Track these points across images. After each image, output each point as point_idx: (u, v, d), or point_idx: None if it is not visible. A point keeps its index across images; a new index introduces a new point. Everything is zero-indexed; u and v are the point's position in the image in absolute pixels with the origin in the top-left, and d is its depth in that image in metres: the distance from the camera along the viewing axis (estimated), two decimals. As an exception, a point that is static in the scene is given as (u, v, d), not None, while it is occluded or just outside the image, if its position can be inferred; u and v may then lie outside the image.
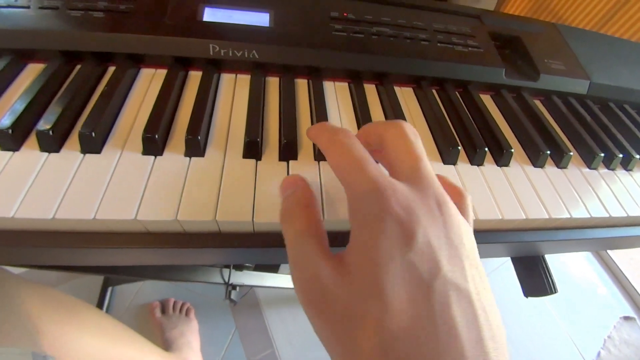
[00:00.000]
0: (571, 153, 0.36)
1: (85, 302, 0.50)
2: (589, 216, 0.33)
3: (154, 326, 0.83)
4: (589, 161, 0.38)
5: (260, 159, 0.28)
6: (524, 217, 0.30)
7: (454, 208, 0.18)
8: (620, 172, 0.39)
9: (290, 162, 0.29)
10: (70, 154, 0.27)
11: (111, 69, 0.33)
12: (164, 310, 0.86)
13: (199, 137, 0.27)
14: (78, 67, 0.33)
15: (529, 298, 0.43)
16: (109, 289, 0.86)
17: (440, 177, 0.20)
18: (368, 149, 0.19)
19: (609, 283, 1.15)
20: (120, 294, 0.88)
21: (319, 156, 0.29)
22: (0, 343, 0.30)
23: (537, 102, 0.43)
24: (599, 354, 0.98)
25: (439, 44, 0.39)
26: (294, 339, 0.89)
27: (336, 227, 0.26)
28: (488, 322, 0.15)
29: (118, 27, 0.32)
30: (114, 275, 0.79)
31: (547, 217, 0.31)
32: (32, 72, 0.32)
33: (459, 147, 0.32)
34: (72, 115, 0.29)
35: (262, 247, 0.27)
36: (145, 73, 0.34)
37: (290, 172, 0.28)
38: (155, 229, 0.25)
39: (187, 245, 0.26)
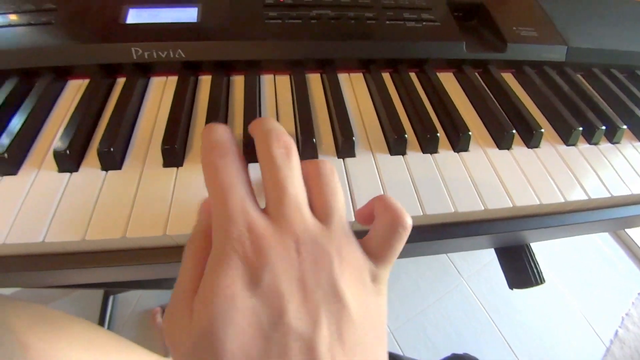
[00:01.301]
0: (542, 130, 0.32)
1: (76, 317, 0.50)
2: (563, 200, 0.29)
3: (156, 332, 0.84)
4: (566, 137, 0.34)
5: (181, 167, 0.26)
6: (482, 208, 0.27)
7: (317, 246, 0.16)
8: (605, 146, 0.35)
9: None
10: (-12, 177, 0.26)
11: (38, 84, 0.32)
12: (166, 315, 0.87)
13: (112, 149, 0.25)
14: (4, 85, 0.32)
15: (514, 290, 0.40)
16: (111, 297, 0.88)
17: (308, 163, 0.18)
18: None
19: (625, 259, 1.08)
20: (122, 302, 0.90)
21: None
22: None
23: (509, 76, 0.39)
24: (616, 333, 0.93)
25: (388, 22, 0.35)
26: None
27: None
28: None
29: (40, 39, 0.30)
30: (113, 287, 0.81)
31: (510, 205, 0.28)
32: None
33: (406, 135, 0.29)
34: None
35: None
36: (72, 85, 0.32)
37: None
38: (73, 249, 0.24)
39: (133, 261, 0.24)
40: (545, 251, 1.08)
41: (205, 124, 0.28)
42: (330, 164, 0.18)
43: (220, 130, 0.18)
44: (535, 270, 0.39)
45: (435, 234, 0.28)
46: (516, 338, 0.91)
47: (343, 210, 0.18)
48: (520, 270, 0.39)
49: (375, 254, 0.17)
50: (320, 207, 0.17)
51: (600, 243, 1.12)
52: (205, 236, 0.17)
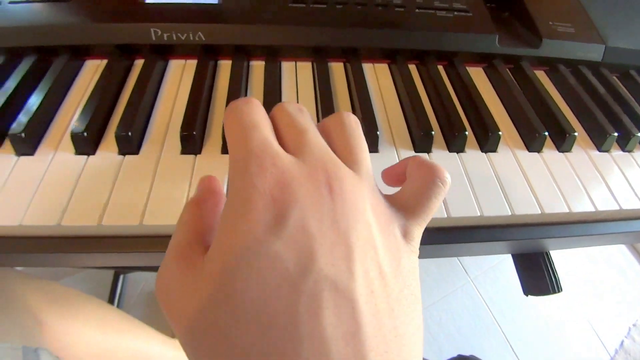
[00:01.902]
0: (576, 134, 0.30)
1: (88, 295, 0.51)
2: (593, 209, 0.28)
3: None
4: (599, 142, 0.32)
5: (199, 150, 0.26)
6: (509, 213, 0.26)
7: (351, 184, 0.14)
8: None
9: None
10: (4, 157, 0.26)
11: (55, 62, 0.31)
12: (174, 296, 0.88)
13: (130, 133, 0.25)
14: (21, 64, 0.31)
15: (529, 297, 0.39)
16: (121, 276, 0.89)
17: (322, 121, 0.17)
18: None
19: (637, 269, 1.06)
20: (132, 282, 0.92)
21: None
22: (1, 339, 0.31)
23: (541, 73, 0.37)
24: (622, 343, 0.91)
25: (417, 10, 0.33)
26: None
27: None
28: (381, 335, 0.11)
29: (56, 16, 0.30)
30: (123, 268, 0.82)
31: (538, 212, 0.26)
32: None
33: (432, 132, 0.28)
34: (6, 115, 0.27)
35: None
36: (90, 65, 0.31)
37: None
38: (81, 233, 0.24)
39: (137, 248, 0.24)
40: (554, 255, 1.06)
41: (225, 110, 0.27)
42: (352, 115, 0.17)
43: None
44: (553, 279, 0.38)
45: (454, 237, 0.27)
46: (520, 342, 0.90)
47: (370, 163, 0.16)
48: (538, 277, 0.38)
49: (407, 207, 0.15)
50: (346, 157, 0.15)
51: (614, 252, 1.10)
52: (213, 201, 0.16)
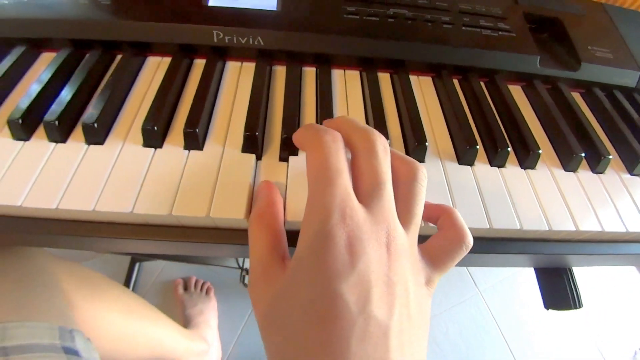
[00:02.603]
0: (610, 156, 0.32)
1: (114, 281, 0.53)
2: (624, 230, 0.29)
3: (177, 302, 0.87)
4: (631, 166, 0.33)
5: (260, 153, 0.27)
6: (547, 229, 0.27)
7: (402, 244, 0.17)
8: (670, 178, 0.34)
9: (290, 157, 0.27)
10: (76, 144, 0.27)
11: (119, 57, 0.33)
12: (186, 287, 0.90)
13: (197, 130, 0.26)
14: (87, 55, 0.33)
15: (550, 310, 0.41)
16: (137, 264, 0.91)
17: (392, 153, 0.20)
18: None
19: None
20: (147, 270, 0.94)
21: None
22: (33, 318, 0.32)
23: (576, 95, 0.39)
24: (629, 365, 0.92)
25: (464, 28, 0.35)
26: (307, 324, 0.91)
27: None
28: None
29: (123, 13, 0.31)
30: (137, 255, 0.84)
31: (574, 229, 0.28)
32: (45, 61, 0.33)
33: (477, 147, 0.29)
34: (78, 105, 0.29)
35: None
36: (152, 61, 0.33)
37: (290, 167, 0.27)
38: (154, 221, 0.25)
39: (189, 238, 0.25)
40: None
41: (284, 115, 0.29)
42: (424, 170, 0.19)
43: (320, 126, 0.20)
44: (575, 294, 0.39)
45: (488, 247, 0.29)
46: (525, 356, 0.90)
47: (420, 219, 0.19)
48: (560, 292, 0.39)
49: (435, 261, 0.19)
50: (403, 211, 0.18)
51: (622, 272, 1.10)
52: (273, 211, 0.21)
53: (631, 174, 0.33)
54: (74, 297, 0.42)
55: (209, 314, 0.84)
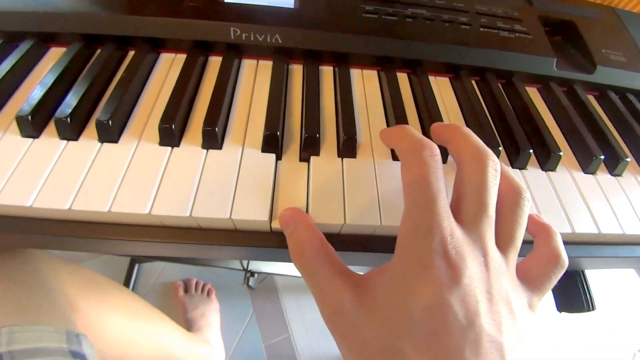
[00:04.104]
0: (628, 159, 0.32)
1: (117, 283, 0.52)
2: (643, 232, 0.29)
3: (177, 305, 0.86)
4: (649, 168, 0.33)
5: (280, 153, 0.27)
6: (570, 231, 0.27)
7: (500, 265, 0.17)
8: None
9: (312, 157, 0.27)
10: (89, 142, 0.26)
11: (131, 53, 0.32)
12: (186, 290, 0.89)
13: (217, 129, 0.25)
14: (99, 51, 0.32)
15: (562, 313, 0.40)
16: (136, 266, 0.89)
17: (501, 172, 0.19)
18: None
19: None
20: (147, 271, 0.92)
21: (343, 152, 0.27)
22: (37, 321, 0.31)
23: (590, 98, 0.39)
24: (629, 367, 0.92)
25: (481, 29, 0.34)
26: (309, 326, 0.90)
27: (355, 230, 0.25)
28: None
29: (137, 9, 0.30)
30: (137, 257, 0.82)
31: (596, 232, 0.27)
32: (54, 56, 0.31)
33: (500, 148, 0.29)
34: (90, 102, 0.28)
35: (279, 247, 0.25)
36: (165, 58, 0.32)
37: (311, 168, 0.26)
38: (170, 223, 0.24)
39: (202, 240, 0.25)
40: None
41: (305, 114, 0.28)
42: (528, 194, 0.20)
43: (416, 132, 0.20)
44: (588, 297, 0.39)
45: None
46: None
47: (520, 243, 0.19)
48: (573, 294, 0.39)
49: (533, 284, 0.19)
50: (504, 234, 0.18)
51: (621, 275, 1.11)
52: (323, 244, 0.20)
53: (647, 177, 0.33)
54: (78, 301, 0.41)
55: (211, 316, 0.83)
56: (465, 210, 0.18)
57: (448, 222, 0.17)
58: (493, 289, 0.16)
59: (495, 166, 0.19)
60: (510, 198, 0.19)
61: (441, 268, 0.16)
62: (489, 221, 0.18)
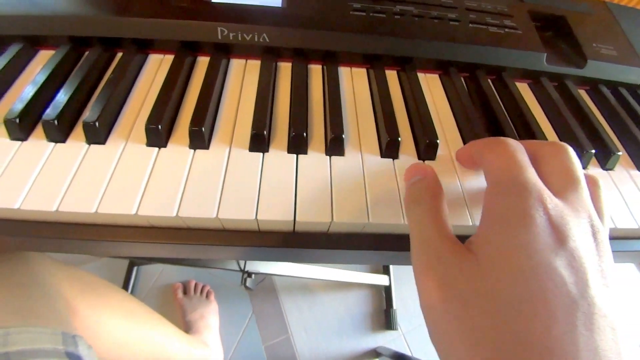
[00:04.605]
0: (619, 153, 0.31)
1: (115, 286, 0.52)
2: (637, 226, 0.29)
3: (176, 307, 0.86)
4: (639, 162, 0.33)
5: (267, 152, 0.26)
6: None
7: (607, 239, 0.16)
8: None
9: (300, 156, 0.27)
10: (76, 144, 0.26)
11: (119, 55, 0.32)
12: (185, 292, 0.89)
13: (203, 129, 0.25)
14: (87, 53, 0.32)
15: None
16: (135, 268, 0.90)
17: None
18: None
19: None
20: (145, 274, 0.92)
21: (330, 150, 0.27)
22: (34, 323, 0.31)
23: (582, 92, 0.38)
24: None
25: (470, 25, 0.34)
26: (308, 326, 0.90)
27: (343, 228, 0.25)
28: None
29: (125, 10, 0.30)
30: (133, 259, 0.82)
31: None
32: (43, 59, 0.32)
33: (488, 143, 0.28)
34: (78, 104, 0.28)
35: (268, 246, 0.25)
36: (154, 59, 0.32)
37: (299, 166, 0.26)
38: (158, 223, 0.24)
39: (191, 240, 0.25)
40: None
41: (293, 112, 0.28)
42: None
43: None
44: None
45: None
46: None
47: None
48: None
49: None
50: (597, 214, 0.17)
51: (624, 271, 1.11)
52: (432, 192, 0.19)
53: (639, 170, 0.33)
54: (76, 303, 0.41)
55: (210, 318, 0.83)
56: (557, 185, 0.17)
57: (541, 187, 0.16)
58: (603, 262, 0.15)
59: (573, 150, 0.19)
60: (594, 180, 0.19)
61: (540, 230, 0.14)
62: (586, 190, 0.17)
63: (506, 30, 0.35)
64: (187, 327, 0.80)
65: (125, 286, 0.85)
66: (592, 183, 0.19)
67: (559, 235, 0.14)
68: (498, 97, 0.34)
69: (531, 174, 0.16)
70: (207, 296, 0.89)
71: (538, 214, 0.15)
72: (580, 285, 0.14)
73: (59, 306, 0.37)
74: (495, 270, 0.15)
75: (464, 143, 0.30)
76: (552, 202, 0.15)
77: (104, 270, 0.89)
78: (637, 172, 0.33)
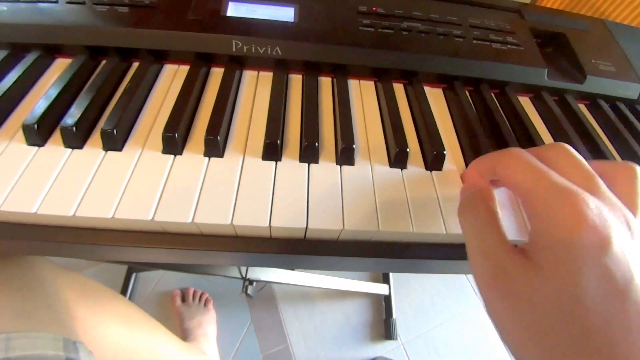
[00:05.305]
0: (620, 165, 0.32)
1: (114, 292, 0.52)
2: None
3: (174, 314, 0.85)
4: None
5: (280, 161, 0.27)
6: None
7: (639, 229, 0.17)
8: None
9: (311, 165, 0.27)
10: (93, 150, 0.27)
11: (135, 65, 0.33)
12: (184, 299, 0.88)
13: (219, 137, 0.26)
14: (104, 62, 0.33)
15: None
16: (133, 275, 0.89)
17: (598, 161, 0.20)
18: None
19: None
20: (144, 280, 0.91)
21: (341, 160, 0.28)
22: (35, 328, 0.31)
23: (581, 107, 0.40)
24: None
25: (474, 41, 0.36)
26: (308, 336, 0.89)
27: (353, 236, 0.25)
28: None
29: (141, 22, 0.31)
30: (135, 265, 0.82)
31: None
32: (60, 67, 0.32)
33: (493, 156, 0.29)
34: (95, 111, 0.29)
35: (278, 252, 0.26)
36: (169, 69, 0.33)
37: (310, 175, 0.27)
38: (172, 229, 0.25)
39: (202, 246, 0.25)
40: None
41: (304, 123, 0.29)
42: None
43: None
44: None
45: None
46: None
47: None
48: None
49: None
50: (629, 205, 0.18)
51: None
52: (488, 201, 0.20)
53: (638, 184, 0.34)
54: (76, 308, 0.41)
55: (207, 326, 0.82)
56: (574, 178, 0.18)
57: (574, 186, 0.17)
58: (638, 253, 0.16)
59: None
60: (622, 173, 0.19)
61: (589, 230, 0.15)
62: (604, 186, 0.18)
63: (509, 46, 0.36)
64: (184, 334, 0.79)
65: (123, 292, 0.85)
66: (624, 173, 0.19)
67: (605, 237, 0.15)
68: (501, 110, 0.35)
69: (556, 176, 0.17)
70: (205, 304, 0.88)
71: (581, 220, 0.16)
72: (627, 279, 0.15)
73: (60, 311, 0.37)
74: (559, 272, 0.16)
75: (463, 155, 0.31)
76: (591, 203, 0.16)
77: (103, 276, 0.88)
78: (636, 185, 0.34)
